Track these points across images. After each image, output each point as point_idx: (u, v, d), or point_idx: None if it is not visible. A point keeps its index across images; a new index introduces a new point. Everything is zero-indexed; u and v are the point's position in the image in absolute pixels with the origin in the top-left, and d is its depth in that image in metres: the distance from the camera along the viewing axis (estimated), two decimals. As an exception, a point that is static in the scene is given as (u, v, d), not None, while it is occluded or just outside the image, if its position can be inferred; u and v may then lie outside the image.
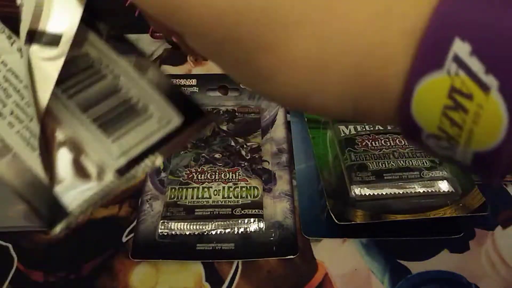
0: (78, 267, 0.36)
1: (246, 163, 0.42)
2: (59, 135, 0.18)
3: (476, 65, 0.12)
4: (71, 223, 0.17)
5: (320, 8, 0.14)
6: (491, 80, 0.12)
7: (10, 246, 0.37)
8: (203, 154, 0.42)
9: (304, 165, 0.43)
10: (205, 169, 0.41)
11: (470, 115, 0.12)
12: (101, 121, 0.18)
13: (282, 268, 0.36)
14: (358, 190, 0.38)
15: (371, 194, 0.38)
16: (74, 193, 0.17)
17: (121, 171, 0.18)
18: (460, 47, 0.12)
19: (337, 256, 0.37)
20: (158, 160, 0.18)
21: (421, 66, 0.13)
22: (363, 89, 0.14)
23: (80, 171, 0.17)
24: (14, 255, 0.37)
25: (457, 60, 0.12)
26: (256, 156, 0.42)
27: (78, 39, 0.18)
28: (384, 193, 0.38)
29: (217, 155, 0.42)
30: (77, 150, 0.18)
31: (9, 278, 0.35)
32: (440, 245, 0.37)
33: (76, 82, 0.18)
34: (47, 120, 0.17)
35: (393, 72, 0.13)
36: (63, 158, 0.17)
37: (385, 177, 0.38)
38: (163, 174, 0.41)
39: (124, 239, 0.38)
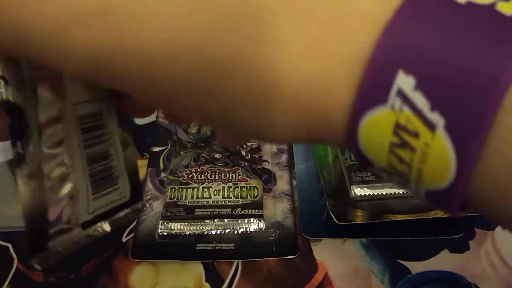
0: (78, 267, 0.36)
1: (246, 163, 0.42)
2: (68, 183, 0.19)
3: (421, 101, 0.11)
4: (47, 260, 0.18)
5: (252, 45, 0.12)
6: (437, 118, 0.11)
7: (10, 246, 0.37)
8: (203, 154, 0.42)
9: (304, 165, 0.43)
10: (205, 169, 0.41)
11: (418, 154, 0.11)
12: (94, 178, 0.20)
13: (282, 268, 0.36)
14: (358, 190, 0.38)
15: (371, 194, 0.38)
16: (58, 238, 0.18)
17: (85, 225, 0.19)
18: (404, 81, 0.11)
19: (337, 256, 0.37)
20: (106, 226, 0.20)
21: (364, 99, 0.12)
22: (312, 119, 0.13)
23: (64, 217, 0.19)
24: (14, 255, 0.37)
25: (401, 95, 0.11)
26: (256, 156, 0.42)
27: (105, 95, 0.20)
28: (384, 193, 0.38)
29: (217, 155, 0.42)
30: (73, 198, 0.19)
31: (9, 278, 0.35)
32: (440, 245, 0.37)
33: (93, 136, 0.19)
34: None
35: (336, 104, 0.12)
36: (64, 201, 0.19)
37: (385, 177, 0.38)
38: (163, 174, 0.41)
39: (124, 239, 0.38)
